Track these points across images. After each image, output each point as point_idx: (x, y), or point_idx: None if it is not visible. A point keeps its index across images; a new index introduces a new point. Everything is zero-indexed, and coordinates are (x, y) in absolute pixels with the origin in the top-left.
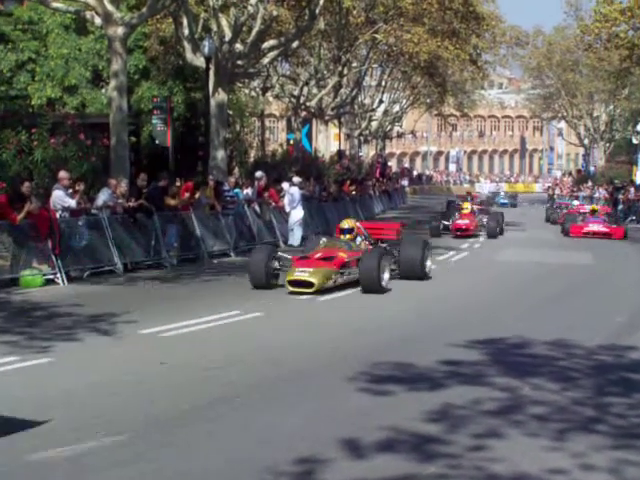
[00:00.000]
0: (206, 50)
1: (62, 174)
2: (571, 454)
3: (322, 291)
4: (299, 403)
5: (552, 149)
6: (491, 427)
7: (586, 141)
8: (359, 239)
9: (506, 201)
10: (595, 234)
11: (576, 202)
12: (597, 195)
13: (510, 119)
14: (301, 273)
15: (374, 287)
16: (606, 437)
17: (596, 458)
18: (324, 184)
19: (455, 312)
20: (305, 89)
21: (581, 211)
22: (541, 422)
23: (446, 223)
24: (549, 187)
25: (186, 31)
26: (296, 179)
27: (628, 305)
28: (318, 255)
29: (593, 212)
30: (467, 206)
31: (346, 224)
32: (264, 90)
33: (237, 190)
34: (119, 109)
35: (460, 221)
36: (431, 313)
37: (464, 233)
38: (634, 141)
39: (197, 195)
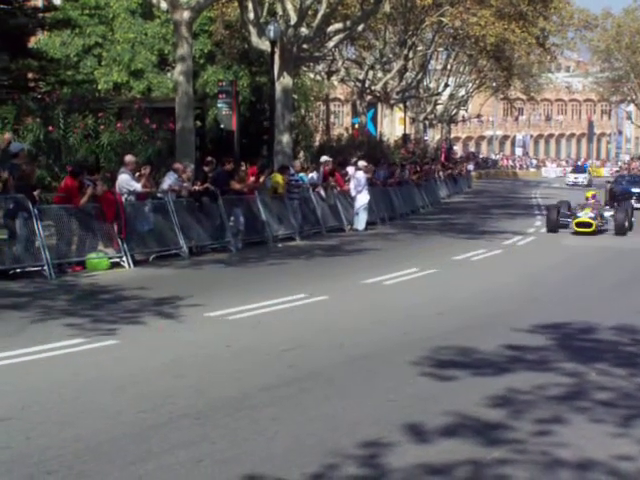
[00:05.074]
0: (271, 34)
1: (128, 158)
2: (637, 440)
3: (385, 276)
4: (364, 387)
5: (620, 133)
6: (556, 413)
7: None
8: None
9: None
10: None
11: None
12: None
13: (578, 103)
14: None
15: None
16: None
17: None
18: (390, 168)
19: (519, 297)
20: (370, 73)
21: None
22: (607, 408)
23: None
24: (617, 171)
25: (251, 15)
26: (361, 163)
27: None
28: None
29: None
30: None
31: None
32: (329, 74)
33: (302, 174)
34: (185, 93)
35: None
36: (495, 298)
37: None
38: None
39: (262, 179)
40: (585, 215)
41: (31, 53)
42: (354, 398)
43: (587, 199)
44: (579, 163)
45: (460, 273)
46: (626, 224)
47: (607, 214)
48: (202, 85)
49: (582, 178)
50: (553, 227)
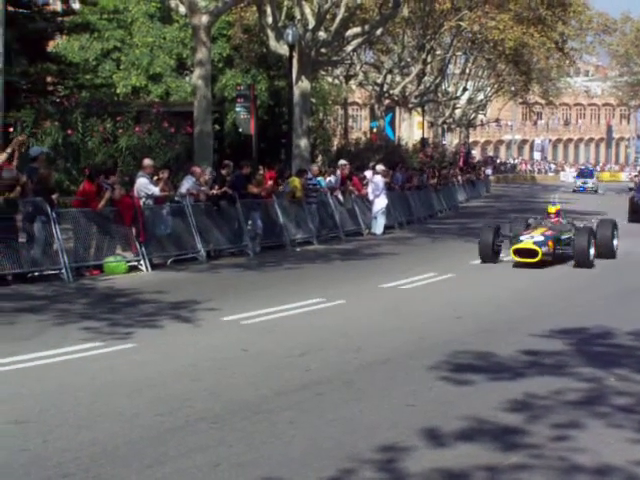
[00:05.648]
0: (290, 38)
1: (146, 162)
2: None
3: (402, 280)
4: (381, 391)
5: (639, 137)
6: (574, 418)
7: None
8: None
9: None
10: None
11: None
12: None
13: (596, 107)
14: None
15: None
16: None
17: None
18: (408, 173)
19: (536, 301)
20: (389, 77)
21: None
22: (626, 413)
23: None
24: (636, 175)
25: (270, 19)
26: (379, 167)
27: None
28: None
29: None
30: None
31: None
32: (347, 78)
33: (320, 178)
34: (203, 97)
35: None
36: (512, 302)
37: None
38: None
39: (281, 187)
40: (530, 239)
41: (50, 57)
42: (371, 402)
43: (550, 215)
44: (585, 167)
45: (477, 278)
46: (592, 251)
47: (565, 236)
48: (220, 89)
49: (591, 183)
50: (487, 256)
